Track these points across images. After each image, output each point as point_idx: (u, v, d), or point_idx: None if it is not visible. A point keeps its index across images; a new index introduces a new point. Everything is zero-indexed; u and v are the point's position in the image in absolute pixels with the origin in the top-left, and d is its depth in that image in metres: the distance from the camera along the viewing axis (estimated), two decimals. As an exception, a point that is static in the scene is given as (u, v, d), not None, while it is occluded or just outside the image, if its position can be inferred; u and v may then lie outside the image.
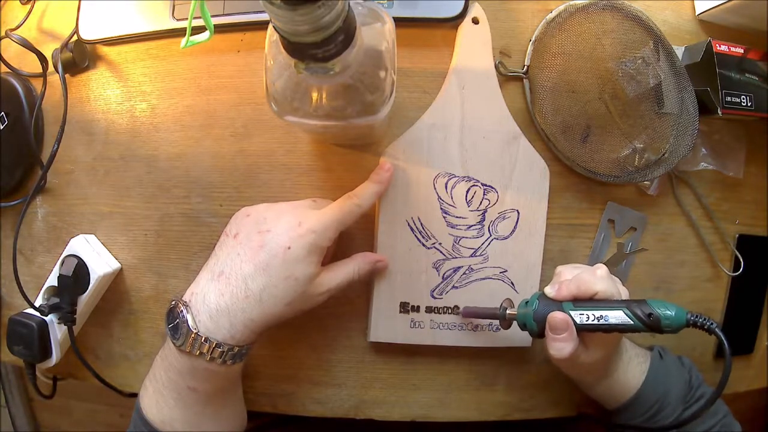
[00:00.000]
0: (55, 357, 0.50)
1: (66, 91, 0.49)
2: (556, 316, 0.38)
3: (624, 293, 0.41)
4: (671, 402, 0.43)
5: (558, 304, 0.40)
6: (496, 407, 0.52)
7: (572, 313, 0.39)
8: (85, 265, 0.49)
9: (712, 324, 0.37)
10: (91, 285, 0.49)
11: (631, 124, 0.48)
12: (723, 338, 0.36)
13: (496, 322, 0.48)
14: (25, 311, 0.49)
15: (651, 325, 0.37)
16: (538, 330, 0.40)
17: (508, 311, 0.43)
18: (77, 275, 0.48)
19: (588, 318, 0.38)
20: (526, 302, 0.42)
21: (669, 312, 0.37)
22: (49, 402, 0.57)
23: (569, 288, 0.39)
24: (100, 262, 0.50)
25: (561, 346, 0.38)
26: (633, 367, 0.44)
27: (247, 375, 0.51)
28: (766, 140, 0.55)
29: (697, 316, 0.37)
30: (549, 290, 0.41)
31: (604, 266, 0.41)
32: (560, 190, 0.50)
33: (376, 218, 0.48)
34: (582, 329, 0.38)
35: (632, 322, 0.37)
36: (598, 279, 0.39)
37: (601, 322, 0.38)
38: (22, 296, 0.48)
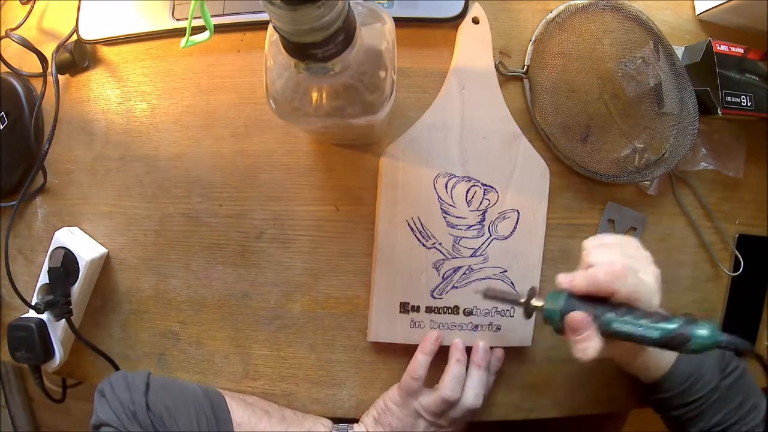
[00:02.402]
0: (58, 355, 0.50)
1: (58, 92, 0.49)
2: (575, 316, 0.36)
3: (651, 276, 0.37)
4: (707, 372, 0.42)
5: (585, 304, 0.36)
6: (496, 407, 0.52)
7: (598, 316, 0.36)
8: (73, 254, 0.49)
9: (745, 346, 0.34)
10: (81, 273, 0.49)
11: (631, 124, 0.48)
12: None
13: (497, 322, 0.48)
14: (22, 316, 0.49)
15: (676, 347, 0.35)
16: (563, 328, 0.37)
17: (533, 302, 0.39)
18: (66, 265, 0.48)
19: (613, 326, 0.35)
20: (556, 295, 0.38)
21: (702, 331, 0.34)
22: (48, 402, 0.57)
23: (582, 284, 0.37)
24: (87, 249, 0.50)
25: (583, 347, 0.36)
26: None
27: (248, 375, 0.51)
28: (766, 140, 0.55)
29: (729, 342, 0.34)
30: (562, 279, 0.37)
31: (622, 262, 0.36)
32: (560, 190, 0.50)
33: (376, 218, 0.48)
34: (604, 334, 0.36)
35: (658, 340, 0.35)
36: (614, 278, 0.36)
37: (624, 331, 0.35)
38: (15, 293, 0.47)
